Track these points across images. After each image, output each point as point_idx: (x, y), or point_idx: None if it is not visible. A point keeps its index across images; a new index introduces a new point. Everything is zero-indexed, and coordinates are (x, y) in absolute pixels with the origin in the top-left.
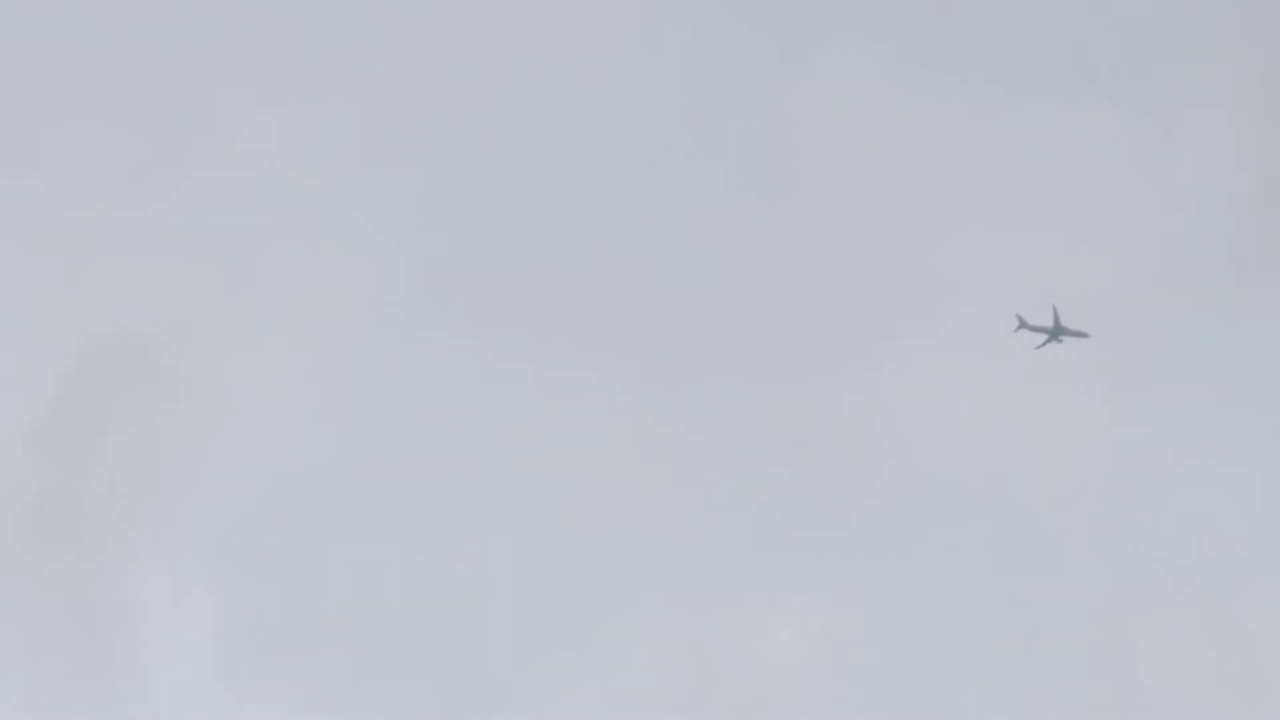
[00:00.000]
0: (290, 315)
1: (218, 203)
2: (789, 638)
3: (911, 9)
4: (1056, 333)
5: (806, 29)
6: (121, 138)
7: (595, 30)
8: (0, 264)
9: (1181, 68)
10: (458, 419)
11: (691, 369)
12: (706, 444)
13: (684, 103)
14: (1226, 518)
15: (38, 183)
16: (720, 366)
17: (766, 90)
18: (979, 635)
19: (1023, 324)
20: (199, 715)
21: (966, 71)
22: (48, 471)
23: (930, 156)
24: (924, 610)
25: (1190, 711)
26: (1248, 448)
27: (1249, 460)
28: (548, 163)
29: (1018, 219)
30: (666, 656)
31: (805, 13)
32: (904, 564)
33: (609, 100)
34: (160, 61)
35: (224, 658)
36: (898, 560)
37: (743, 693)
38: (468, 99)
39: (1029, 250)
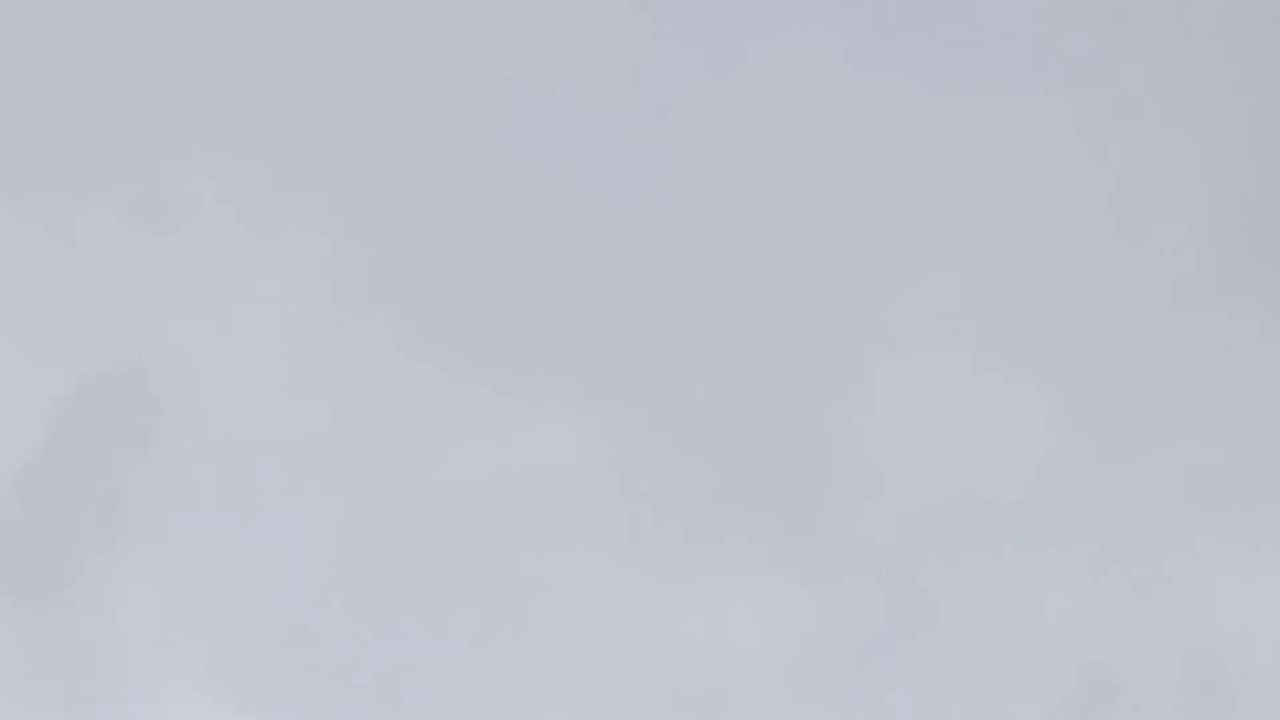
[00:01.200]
0: (271, 346)
1: (197, 234)
2: (748, 636)
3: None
4: None
5: (762, 25)
6: (99, 163)
7: (556, 32)
8: None
9: (1167, 61)
10: (438, 435)
11: (654, 369)
12: (667, 446)
13: (647, 107)
14: (1174, 518)
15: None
16: (682, 366)
17: (731, 91)
18: (939, 635)
19: None
20: None
21: (936, 68)
22: (30, 506)
23: (901, 160)
24: (879, 607)
25: (1154, 706)
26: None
27: (1204, 486)
28: (511, 170)
29: (993, 228)
30: (626, 656)
31: (759, 8)
32: (862, 565)
33: (569, 100)
34: (143, 92)
35: (211, 690)
36: (860, 562)
37: (702, 692)
38: (430, 105)
39: (1006, 260)
